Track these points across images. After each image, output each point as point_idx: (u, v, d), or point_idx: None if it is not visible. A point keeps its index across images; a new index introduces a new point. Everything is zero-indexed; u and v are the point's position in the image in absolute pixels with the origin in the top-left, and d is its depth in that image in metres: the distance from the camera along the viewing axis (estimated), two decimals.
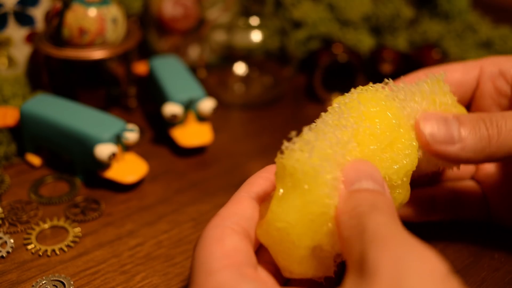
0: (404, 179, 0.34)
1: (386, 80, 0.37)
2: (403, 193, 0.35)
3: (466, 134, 0.36)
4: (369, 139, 0.33)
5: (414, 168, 0.35)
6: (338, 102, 0.35)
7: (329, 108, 0.35)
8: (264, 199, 0.34)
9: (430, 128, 0.36)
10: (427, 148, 0.36)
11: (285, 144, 0.31)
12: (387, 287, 0.24)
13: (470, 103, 0.43)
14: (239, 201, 0.33)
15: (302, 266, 0.32)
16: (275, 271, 0.34)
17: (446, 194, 0.44)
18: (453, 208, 0.44)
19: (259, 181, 0.34)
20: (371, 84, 0.37)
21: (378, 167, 0.33)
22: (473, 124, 0.36)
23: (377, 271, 0.24)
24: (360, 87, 0.36)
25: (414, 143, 0.35)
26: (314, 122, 0.34)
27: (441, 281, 0.24)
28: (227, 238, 0.31)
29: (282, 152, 0.31)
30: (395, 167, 0.33)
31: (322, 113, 0.35)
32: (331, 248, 0.31)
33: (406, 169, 0.34)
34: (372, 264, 0.25)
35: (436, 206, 0.44)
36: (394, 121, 0.34)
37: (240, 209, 0.33)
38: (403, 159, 0.34)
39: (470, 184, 0.45)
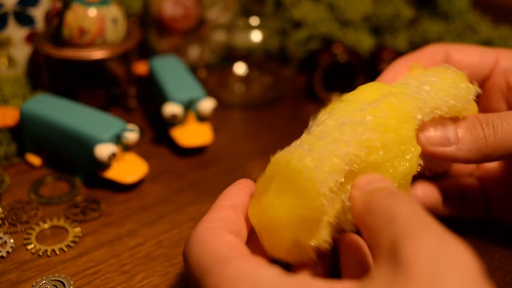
0: (402, 181, 0.34)
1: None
2: None
3: (462, 134, 0.36)
4: (374, 145, 0.33)
5: (415, 172, 0.34)
6: (340, 100, 0.36)
7: (330, 107, 0.36)
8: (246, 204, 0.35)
9: (425, 131, 0.36)
10: (423, 150, 0.36)
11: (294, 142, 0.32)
12: (422, 282, 0.23)
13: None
14: (221, 208, 0.33)
15: (283, 253, 0.33)
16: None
17: (448, 190, 0.44)
18: (455, 204, 0.44)
19: (237, 191, 0.35)
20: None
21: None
22: (469, 125, 0.37)
23: (412, 266, 0.24)
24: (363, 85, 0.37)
25: (413, 148, 0.35)
26: (316, 120, 0.35)
27: (476, 281, 0.24)
28: (223, 235, 0.31)
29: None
30: (391, 171, 0.33)
31: (325, 112, 0.35)
32: (317, 243, 0.32)
33: (405, 173, 0.34)
34: (407, 257, 0.24)
35: (438, 201, 0.44)
36: (393, 121, 0.34)
37: (224, 214, 0.33)
38: (403, 163, 0.34)
39: (470, 180, 0.45)
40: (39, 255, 0.42)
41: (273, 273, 0.28)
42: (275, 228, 0.31)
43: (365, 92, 0.36)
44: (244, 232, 0.34)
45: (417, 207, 0.28)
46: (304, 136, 0.34)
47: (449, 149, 0.36)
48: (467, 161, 0.37)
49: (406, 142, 0.34)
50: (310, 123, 0.36)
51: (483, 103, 0.43)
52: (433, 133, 0.36)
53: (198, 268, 0.29)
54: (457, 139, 0.36)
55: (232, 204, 0.34)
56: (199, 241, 0.30)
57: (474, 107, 0.38)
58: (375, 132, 0.33)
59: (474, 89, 0.38)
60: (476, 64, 0.42)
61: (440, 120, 0.37)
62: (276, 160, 0.33)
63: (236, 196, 0.35)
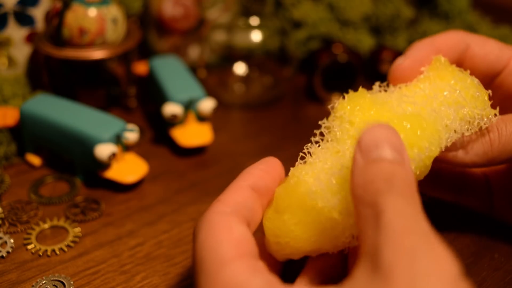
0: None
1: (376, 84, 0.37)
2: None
3: (467, 139, 0.36)
4: None
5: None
6: (343, 111, 0.36)
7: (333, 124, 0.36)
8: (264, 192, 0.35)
9: None
10: None
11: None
12: (401, 287, 0.24)
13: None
14: (239, 189, 0.33)
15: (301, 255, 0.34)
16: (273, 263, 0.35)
17: (452, 172, 0.44)
18: (457, 189, 0.44)
19: (257, 172, 0.34)
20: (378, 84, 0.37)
21: None
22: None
23: (392, 272, 0.24)
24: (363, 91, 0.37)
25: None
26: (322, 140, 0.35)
27: (454, 285, 0.24)
28: (234, 226, 0.30)
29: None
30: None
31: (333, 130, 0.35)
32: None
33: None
34: (388, 263, 0.24)
35: (440, 181, 0.44)
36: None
37: (241, 197, 0.32)
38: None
39: (476, 170, 0.45)
40: (39, 255, 0.42)
41: (264, 281, 0.28)
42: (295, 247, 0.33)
43: (363, 110, 0.35)
44: (258, 218, 0.33)
45: (407, 201, 0.27)
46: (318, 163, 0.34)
47: (456, 155, 0.37)
48: (474, 165, 0.37)
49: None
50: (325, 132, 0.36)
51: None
52: None
53: (200, 258, 0.29)
54: (462, 143, 0.37)
55: (252, 186, 0.33)
56: (209, 227, 0.30)
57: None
58: None
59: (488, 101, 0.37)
60: (493, 60, 0.41)
61: None
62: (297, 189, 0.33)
63: (257, 178, 0.34)
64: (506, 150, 0.36)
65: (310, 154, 0.35)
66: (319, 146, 0.35)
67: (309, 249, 0.33)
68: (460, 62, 0.41)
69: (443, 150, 0.34)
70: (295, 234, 0.32)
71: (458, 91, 0.36)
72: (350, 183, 0.30)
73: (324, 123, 0.36)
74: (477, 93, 0.36)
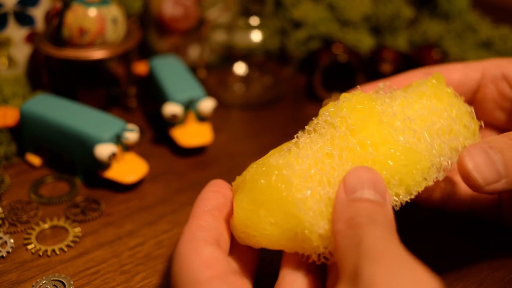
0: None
1: (379, 85, 0.37)
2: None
3: (509, 166, 0.33)
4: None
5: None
6: (326, 112, 0.35)
7: (317, 122, 0.36)
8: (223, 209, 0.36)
9: (478, 169, 0.33)
10: (476, 190, 0.34)
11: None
12: None
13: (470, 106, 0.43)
14: (200, 216, 0.34)
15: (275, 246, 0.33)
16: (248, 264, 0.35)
17: (465, 192, 0.43)
18: (468, 204, 0.43)
19: (211, 195, 0.36)
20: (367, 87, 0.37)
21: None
22: (510, 152, 0.34)
23: (373, 284, 0.24)
24: (351, 93, 0.36)
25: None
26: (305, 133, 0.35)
27: None
28: (202, 249, 0.31)
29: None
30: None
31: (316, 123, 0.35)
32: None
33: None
34: (367, 279, 0.25)
35: (453, 200, 0.43)
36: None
37: (203, 221, 0.34)
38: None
39: None
40: (39, 255, 0.42)
41: None
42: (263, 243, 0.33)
43: (356, 115, 0.35)
44: (226, 235, 0.35)
45: (387, 232, 0.28)
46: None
47: (499, 184, 0.33)
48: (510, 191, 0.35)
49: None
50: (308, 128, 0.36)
51: (479, 116, 0.41)
52: (486, 171, 0.33)
53: (174, 285, 0.31)
54: (507, 172, 0.33)
55: (209, 209, 0.35)
56: (179, 258, 0.31)
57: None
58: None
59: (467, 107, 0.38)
60: (459, 80, 0.42)
61: (478, 147, 0.34)
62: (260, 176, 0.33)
63: (212, 200, 0.35)
64: None
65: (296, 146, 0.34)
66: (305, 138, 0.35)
67: (272, 248, 0.33)
68: None
69: (429, 184, 0.34)
70: (267, 233, 0.32)
71: (453, 119, 0.36)
72: (331, 217, 0.30)
73: (325, 114, 0.36)
74: (470, 123, 0.37)
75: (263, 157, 0.36)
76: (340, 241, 0.29)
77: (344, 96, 0.36)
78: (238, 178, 0.36)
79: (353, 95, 0.35)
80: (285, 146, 0.36)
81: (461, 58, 0.71)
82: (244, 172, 0.36)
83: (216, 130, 0.60)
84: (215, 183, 0.37)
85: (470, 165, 0.33)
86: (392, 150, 0.33)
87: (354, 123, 0.34)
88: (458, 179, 0.41)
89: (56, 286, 0.39)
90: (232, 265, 0.32)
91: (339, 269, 0.28)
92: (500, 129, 0.44)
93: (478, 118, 0.40)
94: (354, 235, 0.28)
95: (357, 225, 0.28)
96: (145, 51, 0.71)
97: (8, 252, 0.42)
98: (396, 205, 0.33)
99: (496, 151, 0.34)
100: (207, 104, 0.56)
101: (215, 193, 0.36)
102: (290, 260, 0.34)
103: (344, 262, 0.28)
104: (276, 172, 0.32)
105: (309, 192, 0.31)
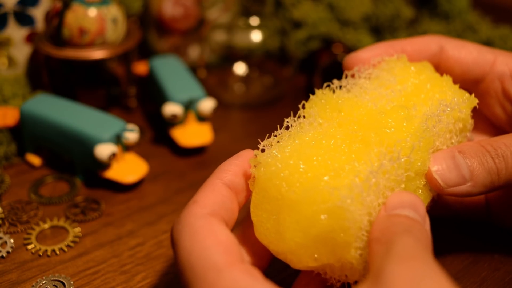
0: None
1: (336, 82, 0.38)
2: None
3: (476, 171, 0.35)
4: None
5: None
6: (310, 111, 0.36)
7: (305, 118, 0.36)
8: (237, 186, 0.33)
9: (440, 172, 0.35)
10: (438, 191, 0.35)
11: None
12: None
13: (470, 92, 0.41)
14: (215, 188, 0.32)
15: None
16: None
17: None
18: (456, 207, 0.43)
19: (232, 168, 0.33)
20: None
21: None
22: (480, 158, 0.35)
23: (393, 284, 0.24)
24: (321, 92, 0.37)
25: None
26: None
27: None
28: (218, 230, 0.29)
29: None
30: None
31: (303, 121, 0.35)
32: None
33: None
34: (389, 276, 0.25)
35: (440, 205, 0.43)
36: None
37: (218, 197, 0.31)
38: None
39: None
40: (39, 255, 0.42)
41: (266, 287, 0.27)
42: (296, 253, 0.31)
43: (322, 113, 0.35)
44: (234, 217, 0.33)
45: (421, 243, 0.27)
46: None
47: (464, 188, 0.35)
48: (478, 194, 0.36)
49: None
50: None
51: (480, 107, 0.41)
52: (448, 174, 0.35)
53: (189, 266, 0.28)
54: (471, 176, 0.35)
55: (228, 184, 0.32)
56: (192, 232, 0.29)
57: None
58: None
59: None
60: (470, 64, 0.41)
61: (448, 152, 0.35)
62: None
63: (232, 175, 0.33)
64: None
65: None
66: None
67: (302, 267, 0.32)
68: (436, 65, 0.41)
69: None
70: (296, 253, 0.30)
71: (451, 109, 0.36)
72: (371, 231, 0.30)
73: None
74: (463, 111, 0.37)
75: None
76: (373, 247, 0.28)
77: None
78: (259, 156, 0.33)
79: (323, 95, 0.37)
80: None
81: None
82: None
83: (216, 130, 0.60)
84: (243, 155, 0.34)
85: (433, 167, 0.35)
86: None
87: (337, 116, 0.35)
88: None
89: (56, 286, 0.39)
90: (244, 255, 0.31)
91: (367, 272, 0.29)
92: (498, 128, 0.44)
93: (478, 109, 0.40)
94: (387, 241, 0.28)
95: (392, 233, 0.28)
96: (145, 51, 0.71)
97: (8, 252, 0.42)
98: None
99: (463, 156, 0.35)
100: (207, 104, 0.56)
101: (238, 168, 0.33)
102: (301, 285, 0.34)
103: (371, 265, 0.27)
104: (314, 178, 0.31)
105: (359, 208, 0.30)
